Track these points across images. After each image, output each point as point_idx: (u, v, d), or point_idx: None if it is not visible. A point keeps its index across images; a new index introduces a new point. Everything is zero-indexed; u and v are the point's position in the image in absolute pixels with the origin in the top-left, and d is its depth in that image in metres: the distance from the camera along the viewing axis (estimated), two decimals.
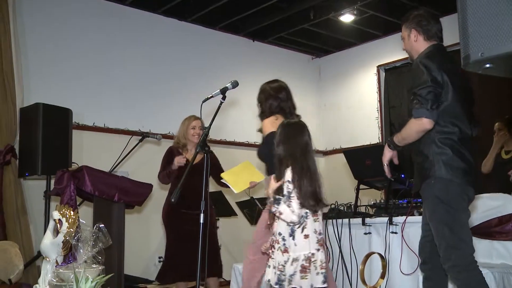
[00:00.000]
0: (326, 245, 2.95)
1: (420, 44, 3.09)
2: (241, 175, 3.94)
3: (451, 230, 2.76)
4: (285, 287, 2.78)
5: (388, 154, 3.09)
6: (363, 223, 4.21)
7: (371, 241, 4.03)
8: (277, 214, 2.81)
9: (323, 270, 2.80)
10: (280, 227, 2.87)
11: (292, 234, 2.82)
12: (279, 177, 2.90)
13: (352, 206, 4.50)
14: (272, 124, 3.57)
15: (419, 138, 2.90)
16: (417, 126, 2.84)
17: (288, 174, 2.85)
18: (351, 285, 4.11)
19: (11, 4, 5.25)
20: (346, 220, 4.36)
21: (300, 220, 2.81)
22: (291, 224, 2.82)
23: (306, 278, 2.77)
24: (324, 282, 2.80)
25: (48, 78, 5.70)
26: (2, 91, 5.07)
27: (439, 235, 2.81)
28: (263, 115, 3.75)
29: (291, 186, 2.82)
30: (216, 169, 4.52)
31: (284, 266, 2.80)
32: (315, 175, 2.88)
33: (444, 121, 2.87)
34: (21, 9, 5.56)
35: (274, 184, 2.87)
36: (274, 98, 3.74)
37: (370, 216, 4.25)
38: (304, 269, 2.77)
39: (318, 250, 2.82)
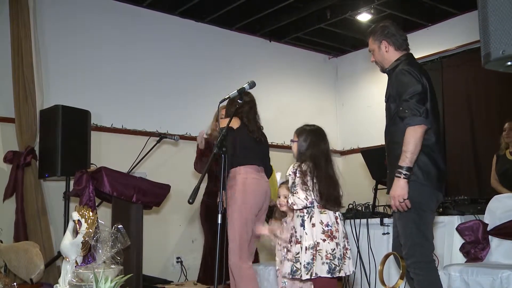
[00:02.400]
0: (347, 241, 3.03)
1: (391, 54, 3.19)
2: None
3: (418, 229, 2.91)
4: (303, 275, 2.91)
5: (406, 185, 2.88)
6: (382, 223, 4.21)
7: (389, 241, 4.01)
8: (292, 207, 3.05)
9: (328, 261, 2.91)
10: (294, 221, 3.09)
11: (302, 224, 2.99)
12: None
13: (370, 206, 4.51)
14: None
15: (398, 142, 2.95)
16: (418, 132, 2.89)
17: (290, 168, 3.06)
18: (369, 286, 4.09)
19: (32, 8, 5.30)
20: (364, 220, 4.36)
21: (308, 209, 3.00)
22: (301, 215, 3.00)
23: (314, 265, 2.92)
24: (328, 272, 2.90)
25: (67, 81, 5.75)
26: (23, 94, 5.13)
27: (406, 233, 2.94)
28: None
29: (292, 176, 3.03)
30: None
31: (298, 255, 2.94)
32: (337, 180, 3.06)
33: None
34: (41, 14, 5.62)
35: (286, 192, 3.18)
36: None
37: (389, 216, 4.25)
38: (313, 257, 2.92)
39: (324, 240, 2.94)
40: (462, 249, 3.84)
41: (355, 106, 8.06)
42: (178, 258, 6.23)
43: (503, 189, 5.16)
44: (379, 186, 4.58)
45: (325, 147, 3.12)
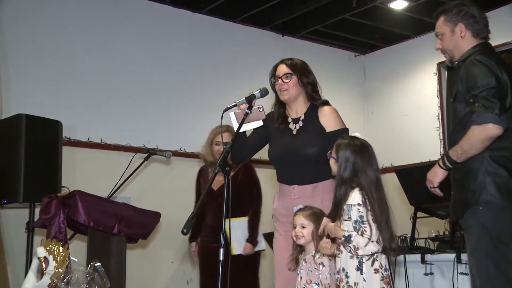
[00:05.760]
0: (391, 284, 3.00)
1: (467, 42, 3.14)
2: None
3: (497, 268, 2.79)
4: None
5: (440, 174, 3.09)
6: (423, 261, 4.19)
7: (433, 284, 3.97)
8: (353, 253, 2.92)
9: None
10: (342, 261, 2.98)
11: (359, 268, 2.91)
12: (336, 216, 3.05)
13: (408, 239, 4.48)
14: None
15: None
16: (483, 133, 2.83)
17: (357, 196, 2.96)
18: None
19: None
20: (400, 257, 4.30)
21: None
22: (359, 257, 2.92)
23: None
24: None
25: (32, 85, 5.75)
26: None
27: (481, 273, 2.84)
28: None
29: (362, 209, 2.93)
30: (248, 193, 4.58)
31: None
32: (390, 212, 3.05)
33: None
34: (2, 7, 5.64)
35: (331, 225, 3.04)
36: None
37: (432, 252, 4.23)
38: None
39: None
40: None
41: (388, 114, 8.04)
42: None
43: None
44: (419, 214, 4.54)
45: (377, 167, 3.13)
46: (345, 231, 2.94)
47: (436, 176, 3.08)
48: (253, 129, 3.60)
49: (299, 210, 3.43)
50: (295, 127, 3.66)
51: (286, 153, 3.60)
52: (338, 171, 3.09)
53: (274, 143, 3.70)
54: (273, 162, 3.74)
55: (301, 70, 3.70)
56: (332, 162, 3.16)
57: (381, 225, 2.92)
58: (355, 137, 3.19)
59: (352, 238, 2.90)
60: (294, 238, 3.41)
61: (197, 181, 5.04)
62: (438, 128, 7.41)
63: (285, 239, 3.61)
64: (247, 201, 4.76)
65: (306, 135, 3.60)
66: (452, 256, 3.85)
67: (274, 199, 3.75)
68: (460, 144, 2.91)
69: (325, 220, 3.20)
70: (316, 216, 3.34)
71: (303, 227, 3.32)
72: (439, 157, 7.16)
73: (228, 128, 4.63)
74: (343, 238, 2.94)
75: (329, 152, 3.18)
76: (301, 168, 3.55)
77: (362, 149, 3.13)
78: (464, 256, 3.76)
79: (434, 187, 3.10)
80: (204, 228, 4.90)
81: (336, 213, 3.07)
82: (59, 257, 2.74)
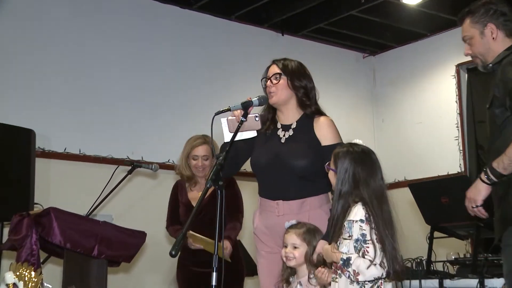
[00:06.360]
0: None
1: (499, 43, 3.13)
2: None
3: None
4: None
5: (484, 190, 3.02)
6: (441, 287, 4.13)
7: None
8: (353, 279, 2.84)
9: None
10: (337, 285, 2.92)
11: None
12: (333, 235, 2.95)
13: (424, 262, 4.47)
14: None
15: None
16: None
17: (360, 211, 2.88)
18: None
19: None
20: (415, 282, 4.28)
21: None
22: (360, 282, 2.84)
23: None
24: None
25: (2, 90, 5.73)
26: None
27: None
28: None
29: (365, 226, 2.85)
30: (230, 208, 4.49)
31: None
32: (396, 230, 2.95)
33: None
34: None
35: (327, 248, 2.97)
36: None
37: (451, 277, 4.23)
38: None
39: None
40: None
41: (400, 122, 8.06)
42: None
43: None
44: (436, 234, 4.52)
45: (382, 177, 3.03)
46: (343, 253, 2.87)
47: (479, 193, 3.02)
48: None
49: (291, 226, 3.36)
50: (283, 135, 3.60)
51: (271, 162, 3.54)
52: (337, 184, 3.01)
53: (258, 150, 3.63)
54: (255, 171, 3.67)
55: (293, 72, 3.62)
56: (331, 175, 3.09)
57: (385, 245, 2.84)
58: (355, 144, 3.09)
59: (351, 261, 2.82)
60: (284, 259, 3.36)
61: (172, 197, 4.87)
62: (457, 138, 7.42)
63: (269, 263, 3.56)
64: (227, 216, 4.65)
65: (297, 145, 3.53)
66: (474, 282, 3.84)
67: (254, 216, 3.69)
68: (506, 153, 2.88)
69: (320, 245, 3.15)
70: (311, 235, 3.29)
71: (295, 248, 3.28)
72: (459, 170, 7.20)
73: (206, 140, 4.60)
74: (341, 262, 2.86)
75: (326, 163, 3.10)
76: (287, 181, 3.49)
77: (363, 156, 3.02)
78: (488, 282, 3.75)
79: (476, 206, 3.04)
80: (182, 249, 4.80)
81: (333, 233, 2.98)
82: (30, 283, 2.70)
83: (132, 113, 6.42)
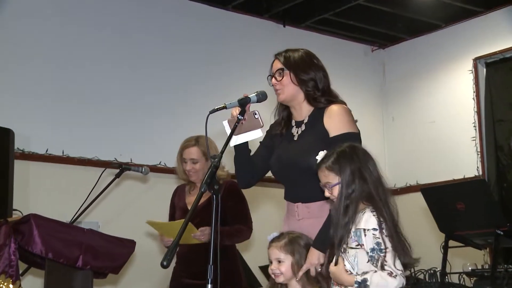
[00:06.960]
0: None
1: None
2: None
3: None
4: None
5: None
6: None
7: None
8: None
9: None
10: None
11: None
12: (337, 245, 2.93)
13: (438, 274, 4.46)
14: None
15: None
16: None
17: (371, 218, 2.89)
18: None
19: None
20: None
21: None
22: None
23: None
24: None
25: None
26: None
27: None
28: None
29: (379, 234, 2.84)
30: (233, 216, 4.52)
31: None
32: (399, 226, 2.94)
33: None
34: None
35: (335, 270, 2.93)
36: None
37: None
38: None
39: None
40: None
41: (412, 121, 8.08)
42: None
43: None
44: (451, 243, 4.53)
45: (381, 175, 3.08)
46: (357, 275, 2.86)
47: None
48: (259, 142, 3.56)
49: (273, 240, 3.37)
50: (296, 132, 3.59)
51: (284, 163, 3.54)
52: (343, 190, 2.99)
53: (275, 152, 3.62)
54: (273, 174, 3.67)
55: (296, 65, 3.60)
56: (334, 191, 3.04)
57: (398, 248, 2.85)
58: (338, 147, 3.11)
59: (368, 282, 2.82)
60: (272, 276, 3.36)
61: (170, 204, 4.90)
62: (474, 138, 7.42)
63: None
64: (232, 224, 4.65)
65: (305, 141, 3.52)
66: None
67: (283, 221, 3.66)
68: None
69: (314, 256, 3.15)
70: (293, 245, 3.28)
71: (279, 262, 3.28)
72: (476, 173, 7.21)
73: (198, 141, 4.61)
74: (355, 285, 2.85)
75: (324, 184, 3.07)
76: (302, 181, 3.46)
77: (352, 152, 3.07)
78: None
79: None
80: (176, 259, 4.81)
81: (339, 248, 2.95)
82: None
83: (120, 111, 6.43)
